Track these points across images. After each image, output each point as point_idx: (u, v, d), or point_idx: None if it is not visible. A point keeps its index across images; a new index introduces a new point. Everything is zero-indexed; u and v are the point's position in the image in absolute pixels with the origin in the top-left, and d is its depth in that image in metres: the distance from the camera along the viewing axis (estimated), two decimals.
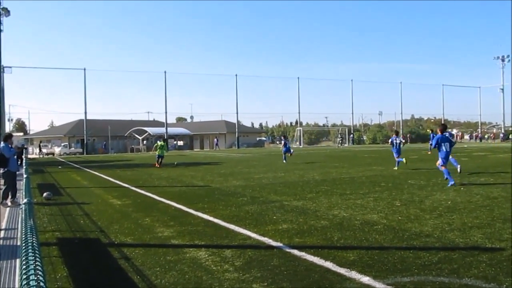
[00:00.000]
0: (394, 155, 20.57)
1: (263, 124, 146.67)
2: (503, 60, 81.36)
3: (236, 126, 69.84)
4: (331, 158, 29.88)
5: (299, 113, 72.58)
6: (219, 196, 12.04)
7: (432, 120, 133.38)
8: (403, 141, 22.85)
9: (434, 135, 20.60)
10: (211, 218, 8.75)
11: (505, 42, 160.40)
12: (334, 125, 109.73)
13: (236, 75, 67.77)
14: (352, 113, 78.07)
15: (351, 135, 75.99)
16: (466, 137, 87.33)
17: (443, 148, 13.52)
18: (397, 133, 22.01)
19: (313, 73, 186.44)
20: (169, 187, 14.58)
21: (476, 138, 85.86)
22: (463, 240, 6.62)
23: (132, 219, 8.97)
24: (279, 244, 6.66)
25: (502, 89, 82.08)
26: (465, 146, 47.20)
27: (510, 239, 6.60)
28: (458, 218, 8.15)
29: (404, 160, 19.92)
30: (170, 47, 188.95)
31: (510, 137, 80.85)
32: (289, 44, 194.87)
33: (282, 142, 23.60)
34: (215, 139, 67.53)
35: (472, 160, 24.84)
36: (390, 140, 21.60)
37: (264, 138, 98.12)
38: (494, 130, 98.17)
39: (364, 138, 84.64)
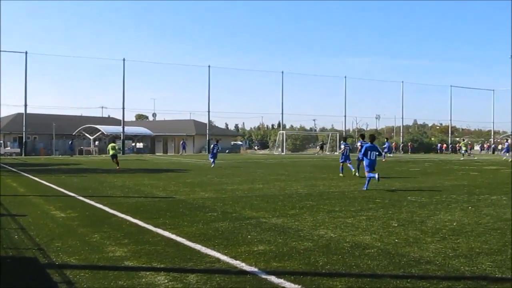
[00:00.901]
0: (343, 159, 23.77)
1: (240, 126, 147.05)
2: None
3: (207, 127, 69.85)
4: (319, 168, 30.05)
5: (282, 114, 73.00)
6: (184, 210, 11.98)
7: (438, 127, 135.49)
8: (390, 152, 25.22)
9: (389, 144, 24.54)
10: (173, 236, 8.69)
11: None
12: (323, 130, 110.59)
13: (209, 66, 67.98)
14: (345, 116, 78.97)
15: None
16: (477, 147, 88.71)
17: (370, 156, 16.98)
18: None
19: (300, 67, 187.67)
20: (124, 198, 14.47)
21: (488, 149, 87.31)
22: (469, 269, 6.71)
23: (77, 235, 8.87)
24: (253, 269, 6.65)
25: None
26: (475, 158, 47.97)
27: None
28: (464, 243, 8.26)
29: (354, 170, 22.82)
30: (130, 32, 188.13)
31: None
32: (271, 32, 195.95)
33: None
34: (182, 142, 67.32)
35: (482, 175, 25.25)
36: (359, 143, 23.66)
37: (240, 143, 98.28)
38: (509, 141, 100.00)
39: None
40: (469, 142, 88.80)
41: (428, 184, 19.67)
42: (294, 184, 19.12)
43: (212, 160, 32.49)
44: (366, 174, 17.03)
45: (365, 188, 16.86)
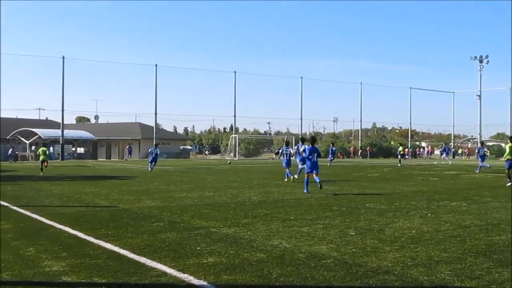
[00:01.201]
0: (284, 165, 24.94)
1: (189, 129, 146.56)
2: (481, 61, 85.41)
3: (154, 131, 69.27)
4: (273, 174, 30.20)
5: (234, 116, 73.07)
6: (129, 220, 11.85)
7: (398, 131, 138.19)
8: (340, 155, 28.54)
9: (333, 149, 29.02)
10: (116, 249, 8.58)
11: (484, 41, 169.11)
12: (278, 133, 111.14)
13: (156, 65, 67.44)
14: (301, 119, 79.52)
15: (297, 146, 77.18)
16: (437, 152, 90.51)
17: (312, 158, 18.44)
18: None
19: (254, 67, 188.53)
20: (62, 208, 14.21)
21: (448, 154, 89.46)
22: (428, 278, 6.85)
23: (11, 249, 8.67)
24: (202, 282, 6.62)
25: (479, 96, 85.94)
26: (435, 163, 49.05)
27: (483, 276, 6.90)
28: (423, 251, 8.43)
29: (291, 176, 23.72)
30: (69, 27, 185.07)
31: (488, 155, 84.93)
32: (224, 31, 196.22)
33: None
34: (127, 147, 66.63)
35: (442, 181, 25.86)
36: (296, 147, 25.53)
37: (189, 147, 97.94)
38: (469, 145, 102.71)
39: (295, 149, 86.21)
40: (428, 147, 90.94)
41: (387, 190, 20.01)
42: (247, 191, 19.16)
43: (150, 164, 33.58)
44: (306, 177, 18.71)
45: (305, 191, 18.27)
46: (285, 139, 33.39)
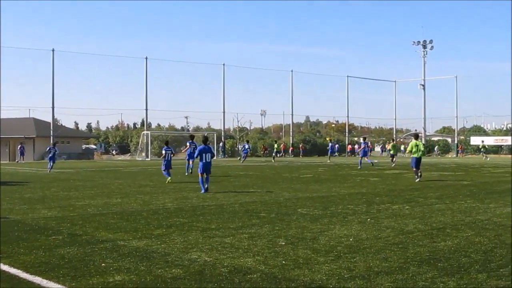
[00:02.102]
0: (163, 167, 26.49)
1: (93, 125, 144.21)
2: (424, 47, 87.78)
3: (51, 127, 67.75)
4: (192, 177, 30.13)
5: (146, 110, 72.50)
6: (21, 233, 11.57)
7: (334, 125, 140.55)
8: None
9: (333, 145, 30.32)
10: (5, 267, 8.37)
11: (427, 25, 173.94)
12: (197, 129, 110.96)
13: (52, 50, 65.95)
14: (224, 113, 79.40)
15: (221, 144, 77.10)
16: (377, 148, 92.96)
17: (204, 158, 20.19)
18: (167, 144, 28.35)
19: (169, 53, 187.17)
20: None
21: (389, 151, 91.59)
22: None
23: None
24: None
25: (423, 85, 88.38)
26: (376, 161, 50.17)
27: (427, 287, 7.12)
28: (361, 261, 8.62)
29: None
30: None
31: (435, 150, 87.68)
32: (132, 12, 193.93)
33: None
34: (19, 146, 64.82)
35: (383, 181, 26.51)
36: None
37: (93, 146, 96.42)
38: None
39: (240, 148, 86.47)
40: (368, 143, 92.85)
41: (321, 193, 20.33)
42: (160, 197, 19.04)
43: (50, 164, 36.92)
44: (199, 177, 20.41)
45: (202, 192, 20.01)
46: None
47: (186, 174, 31.60)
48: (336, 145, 42.96)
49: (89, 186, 24.36)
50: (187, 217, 13.77)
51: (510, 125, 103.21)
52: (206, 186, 20.29)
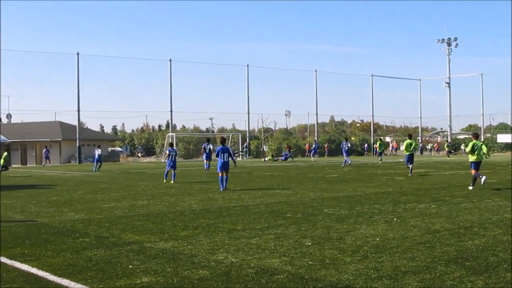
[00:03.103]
0: (167, 167, 27.99)
1: (118, 128, 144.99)
2: (449, 45, 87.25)
3: (77, 130, 68.26)
4: (211, 177, 30.18)
5: (171, 111, 72.81)
6: (48, 236, 11.66)
7: (359, 124, 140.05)
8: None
9: (348, 145, 35.91)
10: (34, 270, 8.44)
11: (451, 23, 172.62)
12: (222, 130, 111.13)
13: (77, 53, 66.47)
14: (248, 113, 79.49)
15: (245, 145, 77.07)
16: (402, 147, 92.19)
17: (222, 158, 21.74)
18: (171, 145, 31.63)
19: (192, 54, 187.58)
20: None
21: (416, 150, 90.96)
22: None
23: None
24: None
25: (448, 83, 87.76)
26: (401, 160, 49.86)
27: (455, 286, 7.07)
28: (388, 261, 8.57)
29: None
30: None
31: (462, 148, 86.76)
32: (156, 14, 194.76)
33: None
34: (44, 150, 65.38)
35: (409, 180, 26.34)
36: (167, 152, 29.24)
37: (119, 149, 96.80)
38: (439, 139, 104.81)
39: (265, 149, 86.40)
40: (393, 141, 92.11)
41: (347, 192, 20.27)
42: (186, 198, 19.10)
43: (96, 165, 43.06)
44: (219, 175, 21.95)
45: (221, 189, 21.58)
46: (170, 141, 35.73)
47: (206, 172, 36.11)
48: (348, 144, 43.90)
49: (115, 188, 24.50)
50: (213, 218, 13.79)
51: None
52: (225, 184, 21.95)
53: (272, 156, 66.41)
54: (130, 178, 32.80)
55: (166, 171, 28.12)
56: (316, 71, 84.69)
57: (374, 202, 16.73)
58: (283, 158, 64.43)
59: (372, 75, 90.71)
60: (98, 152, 43.51)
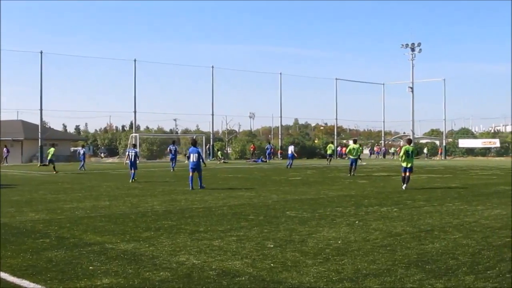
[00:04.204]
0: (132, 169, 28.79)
1: (81, 128, 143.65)
2: (412, 50, 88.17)
3: (39, 130, 67.45)
4: (181, 179, 30.10)
5: (134, 112, 72.51)
6: (8, 236, 11.51)
7: (322, 128, 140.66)
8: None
9: (271, 148, 40.73)
10: None
11: (415, 30, 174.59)
12: (186, 131, 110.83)
13: (41, 52, 65.69)
14: (213, 115, 79.44)
15: (208, 146, 76.80)
16: (366, 151, 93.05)
17: (192, 159, 23.08)
18: (134, 146, 32.74)
19: (156, 55, 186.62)
20: None
21: (378, 153, 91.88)
22: None
23: None
24: None
25: (412, 88, 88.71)
26: (364, 163, 50.31)
27: None
28: (350, 263, 8.63)
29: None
30: None
31: (424, 152, 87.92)
32: (122, 14, 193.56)
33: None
34: (5, 149, 64.44)
35: (371, 183, 26.57)
36: (127, 152, 30.88)
37: (82, 149, 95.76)
38: (401, 143, 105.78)
39: (229, 151, 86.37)
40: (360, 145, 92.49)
41: (310, 195, 20.36)
42: (149, 199, 19.02)
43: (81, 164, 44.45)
44: (190, 175, 23.07)
45: (190, 189, 22.63)
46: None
47: (172, 171, 38.89)
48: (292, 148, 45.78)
49: (77, 188, 24.28)
50: (176, 220, 13.75)
51: (497, 128, 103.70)
52: (199, 183, 23.19)
53: (222, 155, 67.64)
54: (92, 178, 32.53)
55: (132, 171, 28.66)
56: (280, 74, 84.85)
57: (336, 205, 16.83)
58: (258, 160, 65.87)
59: (336, 79, 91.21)
60: (82, 151, 46.52)
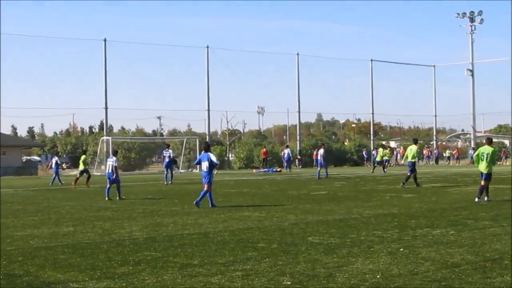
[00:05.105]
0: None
1: (36, 130, 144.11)
2: (472, 20, 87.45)
3: None
4: (168, 196, 30.11)
5: (106, 108, 72.37)
6: None
7: (354, 125, 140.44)
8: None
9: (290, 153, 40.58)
10: None
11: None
12: (174, 133, 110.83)
13: None
14: (208, 110, 79.08)
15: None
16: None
17: (203, 167, 24.11)
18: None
19: (131, 33, 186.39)
20: None
21: (428, 158, 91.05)
22: None
23: None
24: None
25: (471, 71, 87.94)
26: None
27: None
28: None
29: None
30: None
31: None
32: None
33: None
34: None
35: (420, 198, 26.47)
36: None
37: (37, 158, 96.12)
38: (459, 144, 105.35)
39: (231, 158, 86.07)
40: (400, 149, 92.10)
41: (339, 215, 20.32)
42: (126, 223, 19.00)
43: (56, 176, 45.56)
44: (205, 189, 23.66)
45: (197, 203, 23.16)
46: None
47: (166, 184, 40.92)
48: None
49: (32, 210, 24.28)
50: (161, 250, 13.73)
51: None
52: (210, 201, 23.63)
53: None
54: (51, 197, 32.53)
55: (107, 187, 29.24)
56: (298, 54, 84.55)
57: (374, 228, 16.79)
58: (270, 169, 65.40)
59: (371, 60, 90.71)
60: (55, 160, 47.80)
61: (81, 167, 41.76)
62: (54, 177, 45.41)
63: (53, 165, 46.52)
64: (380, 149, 55.94)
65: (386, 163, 54.71)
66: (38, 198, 31.79)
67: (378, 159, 54.86)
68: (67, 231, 17.59)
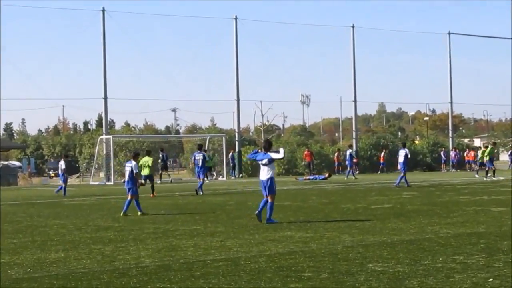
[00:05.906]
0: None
1: (16, 127, 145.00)
2: None
3: None
4: (188, 209, 30.21)
5: (105, 98, 72.59)
6: None
7: (427, 117, 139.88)
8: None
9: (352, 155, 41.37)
10: None
11: None
12: (194, 129, 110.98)
13: None
14: (238, 100, 79.13)
15: (231, 155, 76.18)
16: (505, 157, 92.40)
17: (261, 173, 24.49)
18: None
19: (136, 3, 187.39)
20: None
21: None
22: None
23: None
24: None
25: None
26: (501, 178, 49.87)
27: None
28: None
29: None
30: None
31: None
32: None
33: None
34: None
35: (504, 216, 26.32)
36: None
37: (17, 163, 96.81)
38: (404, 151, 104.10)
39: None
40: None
41: (408, 235, 20.28)
42: (133, 247, 19.08)
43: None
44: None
45: (268, 220, 24.30)
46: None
47: (201, 193, 43.10)
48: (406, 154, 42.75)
49: (10, 231, 24.44)
50: (178, 282, 13.74)
51: None
52: (268, 213, 24.42)
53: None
54: (35, 213, 32.77)
55: (128, 199, 30.00)
56: (353, 26, 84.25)
57: (454, 251, 16.73)
58: (318, 177, 64.27)
59: (449, 33, 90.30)
60: (63, 165, 47.93)
61: (147, 171, 41.76)
62: (64, 187, 45.61)
63: (60, 172, 47.01)
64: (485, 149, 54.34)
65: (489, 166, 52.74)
66: (18, 215, 32.02)
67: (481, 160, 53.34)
68: (56, 257, 17.66)
